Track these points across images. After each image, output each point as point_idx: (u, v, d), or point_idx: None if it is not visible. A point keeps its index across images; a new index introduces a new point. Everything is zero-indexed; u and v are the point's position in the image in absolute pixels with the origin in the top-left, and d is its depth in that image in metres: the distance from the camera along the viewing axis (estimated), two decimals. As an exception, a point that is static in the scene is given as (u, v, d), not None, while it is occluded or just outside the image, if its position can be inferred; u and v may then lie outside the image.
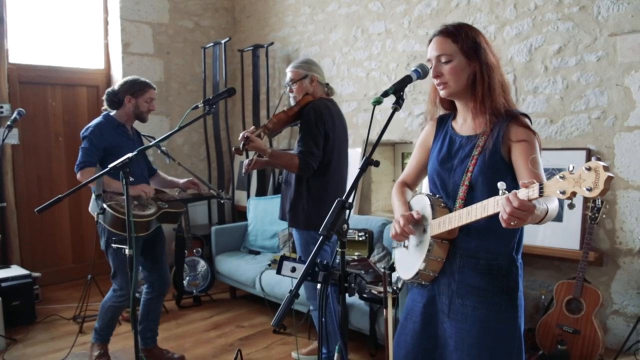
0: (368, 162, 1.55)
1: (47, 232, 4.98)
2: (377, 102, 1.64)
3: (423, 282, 1.70)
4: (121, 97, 3.05)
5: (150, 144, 2.34)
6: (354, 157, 4.24)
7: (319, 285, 1.56)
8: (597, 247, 3.12)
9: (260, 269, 4.00)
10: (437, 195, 1.73)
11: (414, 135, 4.17)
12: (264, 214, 4.56)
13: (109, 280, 3.07)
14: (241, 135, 2.76)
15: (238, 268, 4.15)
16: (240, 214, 5.42)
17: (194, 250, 4.43)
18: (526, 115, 1.65)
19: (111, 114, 3.10)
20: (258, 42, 5.21)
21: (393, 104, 1.68)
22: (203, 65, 5.40)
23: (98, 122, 3.04)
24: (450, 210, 1.63)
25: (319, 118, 2.81)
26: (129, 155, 2.22)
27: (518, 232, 1.63)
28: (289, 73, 2.99)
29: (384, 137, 4.38)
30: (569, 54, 3.30)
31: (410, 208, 1.78)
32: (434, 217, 1.62)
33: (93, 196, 2.90)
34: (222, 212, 5.40)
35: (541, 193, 1.23)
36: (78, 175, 2.94)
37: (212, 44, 5.26)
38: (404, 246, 1.77)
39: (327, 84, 3.07)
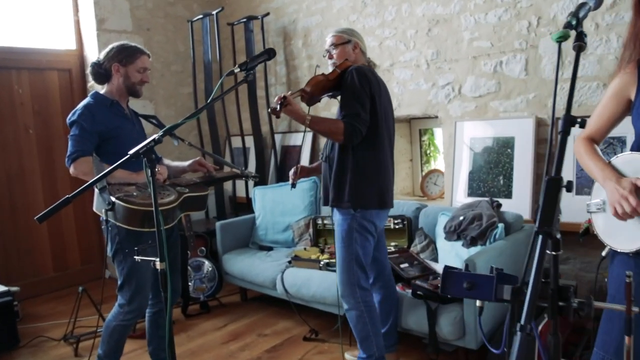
0: (570, 121, 1.10)
1: (23, 238, 4.36)
2: (563, 37, 1.19)
3: None
4: (107, 67, 2.52)
5: (179, 122, 1.82)
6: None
7: (477, 302, 1.10)
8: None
9: (279, 267, 3.51)
10: None
11: (440, 108, 3.75)
12: (273, 205, 4.07)
13: (98, 290, 2.53)
14: (277, 97, 2.36)
15: (252, 268, 3.65)
16: (240, 205, 4.90)
17: (198, 250, 3.91)
18: None
19: (101, 91, 2.57)
20: (249, 14, 4.66)
21: (575, 42, 1.23)
22: (191, 40, 4.81)
23: (86, 103, 2.50)
24: None
25: (362, 78, 2.44)
26: (155, 137, 1.72)
27: None
28: (330, 38, 2.67)
29: (399, 113, 3.96)
30: (624, 7, 2.92)
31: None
32: None
33: (96, 192, 2.36)
34: (222, 205, 4.86)
35: None
36: (71, 169, 2.40)
37: (200, 16, 4.67)
38: None
39: (369, 58, 2.77)
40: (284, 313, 3.62)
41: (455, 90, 3.66)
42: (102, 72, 2.53)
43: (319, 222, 3.73)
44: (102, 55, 2.55)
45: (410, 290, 2.81)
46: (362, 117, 2.40)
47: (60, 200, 1.57)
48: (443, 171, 4.01)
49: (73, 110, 2.49)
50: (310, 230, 3.80)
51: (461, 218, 3.00)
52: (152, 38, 4.84)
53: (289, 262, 3.50)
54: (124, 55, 2.51)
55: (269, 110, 2.38)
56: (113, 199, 2.19)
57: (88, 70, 2.57)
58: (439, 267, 3.01)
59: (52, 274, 4.53)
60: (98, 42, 4.44)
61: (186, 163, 2.76)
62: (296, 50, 4.66)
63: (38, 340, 3.42)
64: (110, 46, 2.54)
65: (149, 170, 1.71)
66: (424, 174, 4.28)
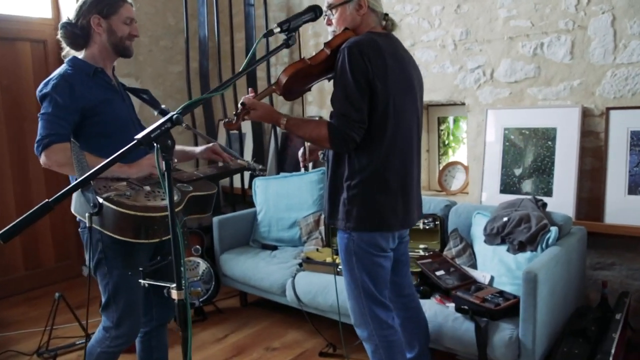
0: None
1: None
2: None
3: None
4: (84, 24, 1.98)
5: (203, 96, 1.38)
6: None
7: None
8: None
9: (288, 270, 3.09)
10: None
11: (467, 94, 3.36)
12: (277, 198, 3.63)
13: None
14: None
15: (256, 270, 3.21)
16: (235, 197, 4.45)
17: (192, 249, 3.46)
18: None
19: (80, 56, 2.04)
20: (250, -15, 4.19)
21: None
22: (184, 13, 4.29)
23: (63, 71, 1.97)
24: None
25: (355, 61, 1.79)
26: (172, 115, 1.28)
27: None
28: None
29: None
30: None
31: None
32: None
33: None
34: (216, 197, 4.39)
35: None
36: (42, 159, 1.87)
37: (196, -16, 4.18)
38: None
39: (386, 15, 2.07)
40: (291, 321, 3.21)
41: (486, 75, 3.27)
42: (78, 33, 1.99)
43: (333, 219, 3.31)
44: (73, 13, 2.00)
45: (450, 304, 2.43)
46: (352, 119, 1.81)
47: (38, 207, 1.11)
48: (465, 164, 3.64)
49: (45, 81, 1.95)
50: (321, 227, 3.38)
51: (505, 219, 2.62)
52: (140, 9, 4.29)
53: (300, 264, 3.08)
54: (104, 4, 1.98)
55: (224, 123, 1.87)
56: (100, 199, 1.70)
57: (59, 34, 2.02)
58: (478, 275, 2.63)
59: (22, 272, 4.01)
60: (78, 10, 3.90)
61: (197, 149, 2.30)
62: (301, 28, 4.19)
63: (7, 355, 2.93)
64: (81, 0, 2.00)
65: (164, 163, 1.26)
66: (441, 166, 3.90)
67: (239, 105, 1.87)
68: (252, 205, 3.91)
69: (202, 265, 3.47)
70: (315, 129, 1.87)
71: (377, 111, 1.86)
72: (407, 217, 2.00)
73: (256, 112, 1.88)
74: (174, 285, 1.29)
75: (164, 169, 1.25)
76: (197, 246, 3.49)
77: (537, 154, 3.01)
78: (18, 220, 1.08)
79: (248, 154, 4.34)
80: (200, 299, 3.40)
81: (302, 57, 1.95)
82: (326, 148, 1.96)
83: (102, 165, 1.21)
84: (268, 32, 1.63)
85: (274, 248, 3.51)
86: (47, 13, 4.05)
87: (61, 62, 2.06)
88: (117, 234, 1.74)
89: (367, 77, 1.81)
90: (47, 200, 1.11)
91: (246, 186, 4.34)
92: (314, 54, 1.96)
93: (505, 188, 3.13)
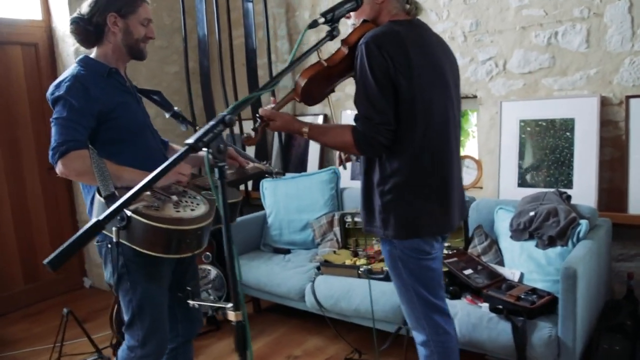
0: None
1: (-16, 246, 3.67)
2: None
3: None
4: (99, 21, 1.85)
5: (254, 93, 1.27)
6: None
7: None
8: None
9: (306, 275, 2.98)
10: None
11: (479, 87, 3.29)
12: (287, 200, 3.53)
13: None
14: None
15: (272, 276, 3.10)
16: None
17: (203, 256, 3.34)
18: None
19: (92, 55, 1.91)
20: (247, -19, 4.06)
21: None
22: (181, 11, 4.14)
23: (76, 72, 1.83)
24: None
25: (374, 58, 1.65)
26: (223, 115, 1.17)
27: None
28: None
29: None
30: None
31: None
32: None
33: (97, 202, 1.73)
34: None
35: None
36: (58, 167, 1.74)
37: (193, -19, 4.04)
38: None
39: None
40: (309, 327, 3.11)
41: (498, 66, 3.21)
42: (91, 30, 1.86)
43: (348, 219, 3.20)
44: (85, 8, 1.87)
45: (482, 304, 2.35)
46: (375, 122, 1.67)
47: (88, 227, 1.00)
48: (476, 158, 3.58)
49: (56, 82, 1.83)
50: (335, 229, 3.28)
51: (531, 214, 2.55)
52: (133, 8, 4.16)
53: (318, 268, 2.98)
54: (123, 2, 1.85)
55: (243, 139, 1.76)
56: (128, 212, 1.58)
57: (70, 29, 1.88)
58: (507, 272, 2.56)
59: (22, 286, 3.85)
60: (70, 12, 3.73)
61: None
62: (302, 23, 4.10)
63: (15, 376, 2.80)
64: None
65: (218, 170, 1.15)
66: (451, 161, 3.83)
67: (256, 117, 1.76)
68: (257, 208, 3.80)
69: (213, 272, 3.35)
70: (339, 136, 1.74)
71: (403, 110, 1.70)
72: (447, 221, 1.85)
73: (275, 123, 1.76)
74: (230, 305, 1.17)
75: (217, 176, 1.13)
76: (208, 253, 3.37)
77: (555, 146, 2.95)
78: (66, 244, 0.98)
79: (251, 155, 4.22)
80: (214, 308, 3.28)
81: (318, 58, 1.82)
82: (355, 154, 1.85)
83: (157, 174, 1.07)
84: (313, 22, 1.54)
85: (287, 252, 3.41)
86: (37, 15, 3.87)
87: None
88: (146, 249, 1.62)
89: (389, 74, 1.65)
90: (98, 219, 1.00)
91: (249, 188, 4.23)
92: (332, 52, 1.83)
93: (523, 182, 3.07)
